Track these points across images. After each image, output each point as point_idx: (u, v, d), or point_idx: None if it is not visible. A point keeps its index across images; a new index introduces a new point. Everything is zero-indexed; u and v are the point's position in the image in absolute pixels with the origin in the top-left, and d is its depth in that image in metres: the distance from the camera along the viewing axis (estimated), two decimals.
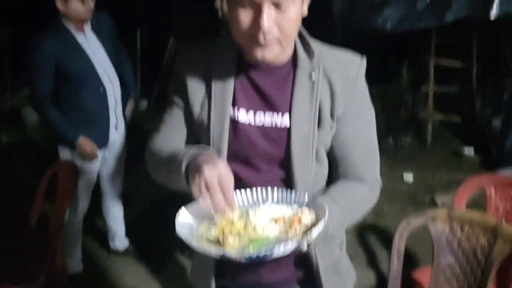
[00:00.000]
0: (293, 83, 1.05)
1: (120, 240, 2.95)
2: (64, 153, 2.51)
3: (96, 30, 2.50)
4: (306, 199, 0.99)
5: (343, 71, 1.06)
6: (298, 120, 1.05)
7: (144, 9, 6.10)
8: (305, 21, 1.04)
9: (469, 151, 4.62)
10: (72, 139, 2.44)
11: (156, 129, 1.18)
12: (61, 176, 2.01)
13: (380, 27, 3.05)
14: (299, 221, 0.92)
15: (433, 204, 3.63)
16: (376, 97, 1.13)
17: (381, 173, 1.18)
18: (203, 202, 0.90)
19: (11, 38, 5.96)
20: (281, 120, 1.06)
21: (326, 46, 1.10)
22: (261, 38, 0.94)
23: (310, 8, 1.03)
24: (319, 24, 1.03)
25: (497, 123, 5.28)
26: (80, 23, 2.41)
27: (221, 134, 1.07)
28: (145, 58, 7.04)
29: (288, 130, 1.05)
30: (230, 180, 0.90)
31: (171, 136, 1.14)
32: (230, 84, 1.07)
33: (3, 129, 5.34)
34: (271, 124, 1.06)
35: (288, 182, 1.09)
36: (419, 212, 1.61)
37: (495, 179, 1.90)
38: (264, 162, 1.09)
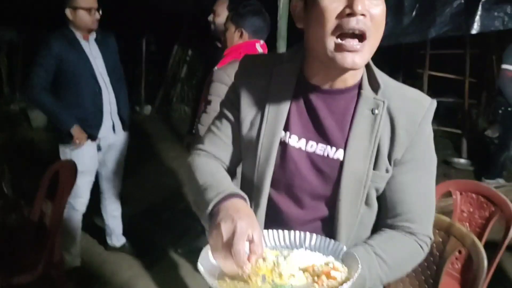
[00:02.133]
0: (353, 116, 0.96)
1: (117, 238, 3.10)
2: (65, 153, 2.67)
3: (100, 42, 2.69)
4: (343, 252, 0.88)
5: (409, 112, 0.95)
6: (353, 156, 0.95)
7: (151, 17, 6.27)
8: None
9: (458, 160, 4.74)
10: (69, 125, 2.57)
11: (200, 140, 1.10)
12: (62, 174, 2.16)
13: None
14: (328, 275, 0.83)
15: None
16: None
17: None
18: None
19: (23, 42, 6.15)
20: (335, 153, 0.97)
21: (394, 81, 1.01)
22: (353, 24, 0.83)
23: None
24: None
25: (490, 133, 5.41)
26: (86, 32, 2.62)
27: (268, 157, 0.98)
28: (150, 64, 7.20)
29: (341, 164, 0.96)
30: (242, 239, 0.77)
31: (216, 150, 1.06)
32: (286, 106, 0.98)
33: (11, 129, 5.54)
34: (323, 153, 0.97)
35: (331, 223, 0.98)
36: None
37: (460, 185, 2.02)
38: (308, 196, 0.99)
